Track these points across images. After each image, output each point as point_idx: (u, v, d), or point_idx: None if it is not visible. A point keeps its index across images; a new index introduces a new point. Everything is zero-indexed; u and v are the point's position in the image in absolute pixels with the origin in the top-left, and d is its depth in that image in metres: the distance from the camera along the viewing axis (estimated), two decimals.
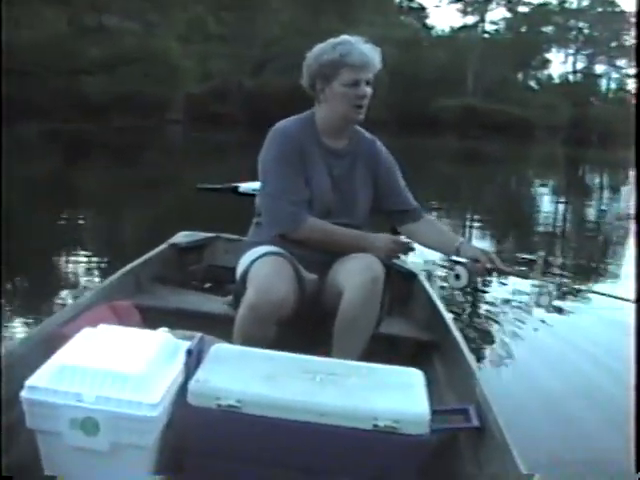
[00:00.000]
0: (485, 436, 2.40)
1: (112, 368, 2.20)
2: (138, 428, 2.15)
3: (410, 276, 3.95)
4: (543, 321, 5.87)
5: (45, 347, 2.45)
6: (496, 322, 5.74)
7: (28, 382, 2.16)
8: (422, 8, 71.89)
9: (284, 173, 3.13)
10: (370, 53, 3.13)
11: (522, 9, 75.45)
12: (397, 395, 2.30)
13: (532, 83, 75.10)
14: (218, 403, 2.20)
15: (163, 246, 4.06)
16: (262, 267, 2.99)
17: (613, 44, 78.33)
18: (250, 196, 3.41)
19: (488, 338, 5.20)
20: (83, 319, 2.78)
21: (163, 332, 2.51)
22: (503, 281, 6.74)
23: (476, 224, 12.33)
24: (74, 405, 2.14)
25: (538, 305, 6.38)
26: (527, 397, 4.17)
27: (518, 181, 23.32)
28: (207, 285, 3.87)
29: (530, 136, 52.90)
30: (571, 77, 78.62)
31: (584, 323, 6.07)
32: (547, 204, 16.85)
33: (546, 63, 77.13)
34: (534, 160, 34.47)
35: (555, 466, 3.29)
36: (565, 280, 7.13)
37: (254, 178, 3.46)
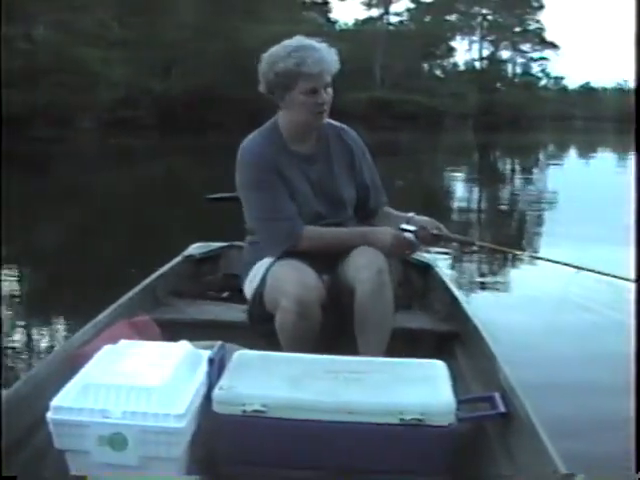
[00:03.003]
0: (513, 422, 2.39)
1: (136, 382, 2.20)
2: (166, 440, 2.14)
3: (426, 268, 3.93)
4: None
5: (68, 367, 2.44)
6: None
7: (53, 402, 2.16)
8: (325, 2, 71.28)
9: (267, 193, 3.10)
10: (327, 56, 3.06)
11: None
12: (421, 387, 2.31)
13: (438, 72, 76.18)
14: (244, 409, 2.21)
15: (177, 259, 4.06)
16: (282, 268, 3.00)
17: (517, 29, 79.97)
18: None
19: (504, 324, 5.19)
20: (103, 337, 2.77)
21: (184, 343, 2.50)
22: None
23: None
24: (101, 422, 2.14)
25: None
26: (552, 380, 4.19)
27: (431, 170, 22.89)
28: (225, 294, 3.85)
29: (440, 125, 53.02)
30: (477, 64, 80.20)
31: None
32: (461, 191, 16.92)
33: (451, 51, 78.36)
34: (446, 148, 33.86)
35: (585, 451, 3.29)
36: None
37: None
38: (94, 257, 8.05)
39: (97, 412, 2.15)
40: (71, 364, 2.47)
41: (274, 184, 3.09)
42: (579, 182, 18.40)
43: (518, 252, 3.46)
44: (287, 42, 3.07)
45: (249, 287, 3.17)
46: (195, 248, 4.19)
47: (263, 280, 3.05)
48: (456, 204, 13.92)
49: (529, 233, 11.00)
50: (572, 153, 34.83)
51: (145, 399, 2.16)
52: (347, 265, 3.07)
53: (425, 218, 3.24)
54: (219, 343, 2.46)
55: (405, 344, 3.06)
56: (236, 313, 3.39)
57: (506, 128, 53.94)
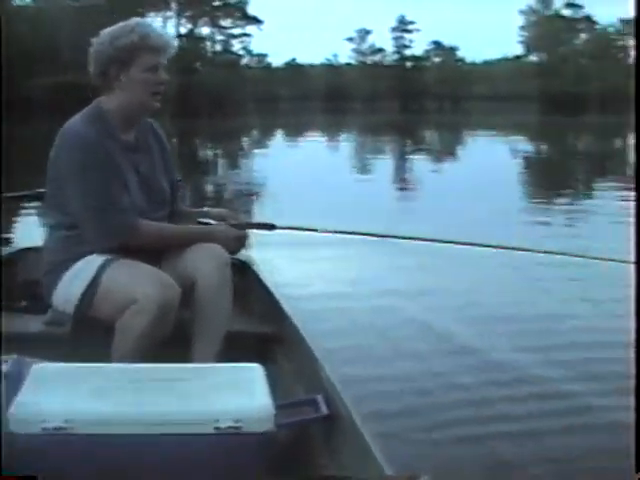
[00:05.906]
0: (335, 424, 2.35)
1: None
2: None
3: (245, 267, 3.78)
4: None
5: None
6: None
7: None
8: None
9: (98, 179, 2.87)
10: (167, 35, 3.05)
11: None
12: (237, 393, 2.23)
13: None
14: (43, 427, 2.05)
15: None
16: (125, 268, 2.84)
17: (216, 3, 75.64)
18: None
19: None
20: None
21: None
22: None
23: None
24: None
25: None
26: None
27: None
28: (22, 304, 3.53)
29: None
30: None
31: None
32: None
33: None
34: None
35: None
36: None
37: None
38: None
39: None
40: None
41: (105, 170, 2.88)
42: (285, 167, 18.50)
43: (312, 229, 3.50)
44: (124, 23, 2.98)
45: (66, 289, 2.92)
46: None
47: (94, 281, 2.84)
48: None
49: None
50: (279, 137, 34.66)
51: None
52: (185, 258, 2.96)
53: (221, 210, 3.30)
54: (14, 357, 2.31)
55: (224, 348, 2.95)
56: (35, 324, 3.16)
57: (208, 112, 52.18)
